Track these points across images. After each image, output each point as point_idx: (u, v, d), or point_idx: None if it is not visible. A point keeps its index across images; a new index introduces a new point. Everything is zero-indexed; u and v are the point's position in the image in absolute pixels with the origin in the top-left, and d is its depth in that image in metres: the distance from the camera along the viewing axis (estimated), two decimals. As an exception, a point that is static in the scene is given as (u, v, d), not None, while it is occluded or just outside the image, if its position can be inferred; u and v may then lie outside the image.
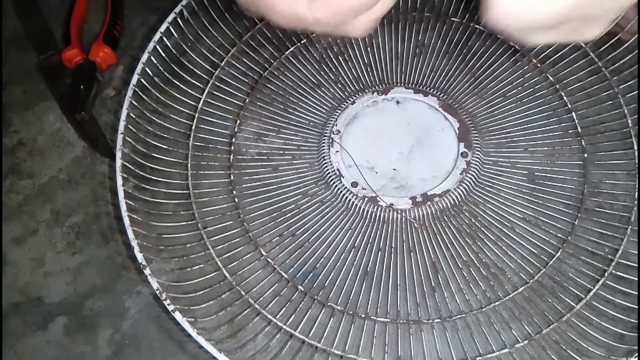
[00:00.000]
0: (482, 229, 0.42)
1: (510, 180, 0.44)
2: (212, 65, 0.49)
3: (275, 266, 0.42)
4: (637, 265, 0.39)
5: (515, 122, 0.46)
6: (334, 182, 0.44)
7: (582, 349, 0.37)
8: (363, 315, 0.40)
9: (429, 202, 0.42)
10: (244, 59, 0.50)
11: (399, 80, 0.48)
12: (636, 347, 0.37)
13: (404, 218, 0.42)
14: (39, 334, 0.42)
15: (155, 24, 0.49)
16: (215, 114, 0.48)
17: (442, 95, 0.47)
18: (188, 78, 0.48)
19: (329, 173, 0.44)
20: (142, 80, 0.45)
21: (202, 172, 0.46)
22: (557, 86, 0.47)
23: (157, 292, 0.38)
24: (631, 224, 0.41)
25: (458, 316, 0.39)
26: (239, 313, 0.40)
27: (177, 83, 0.47)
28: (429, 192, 0.43)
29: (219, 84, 0.48)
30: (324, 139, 0.45)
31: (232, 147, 0.47)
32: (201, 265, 0.42)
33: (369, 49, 0.50)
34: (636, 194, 0.42)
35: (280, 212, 0.44)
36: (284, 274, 0.42)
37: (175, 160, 0.45)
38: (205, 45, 0.49)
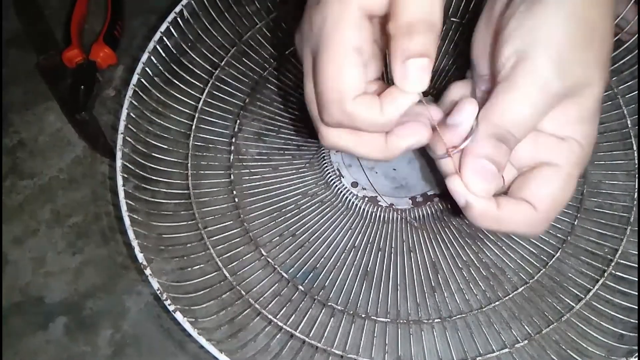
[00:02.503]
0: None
1: (510, 181, 0.44)
2: (212, 65, 0.49)
3: (276, 266, 0.42)
4: (636, 265, 0.39)
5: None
6: (334, 182, 0.44)
7: (582, 349, 0.37)
8: (363, 315, 0.40)
9: (429, 202, 0.42)
10: (244, 59, 0.50)
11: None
12: (636, 347, 0.37)
13: (403, 218, 0.42)
14: (39, 334, 0.42)
15: (155, 24, 0.49)
16: (215, 114, 0.48)
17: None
18: (188, 78, 0.48)
19: (329, 173, 0.44)
20: (142, 80, 0.45)
21: (202, 172, 0.46)
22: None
23: (158, 292, 0.38)
24: (630, 224, 0.41)
25: (458, 316, 0.39)
26: (240, 313, 0.40)
27: (177, 83, 0.47)
28: (429, 192, 0.43)
29: (219, 84, 0.48)
30: (324, 139, 0.45)
31: (232, 147, 0.47)
32: (201, 265, 0.42)
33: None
34: (636, 194, 0.42)
35: (280, 212, 0.44)
36: (284, 274, 0.42)
37: (176, 160, 0.45)
38: (205, 45, 0.49)
